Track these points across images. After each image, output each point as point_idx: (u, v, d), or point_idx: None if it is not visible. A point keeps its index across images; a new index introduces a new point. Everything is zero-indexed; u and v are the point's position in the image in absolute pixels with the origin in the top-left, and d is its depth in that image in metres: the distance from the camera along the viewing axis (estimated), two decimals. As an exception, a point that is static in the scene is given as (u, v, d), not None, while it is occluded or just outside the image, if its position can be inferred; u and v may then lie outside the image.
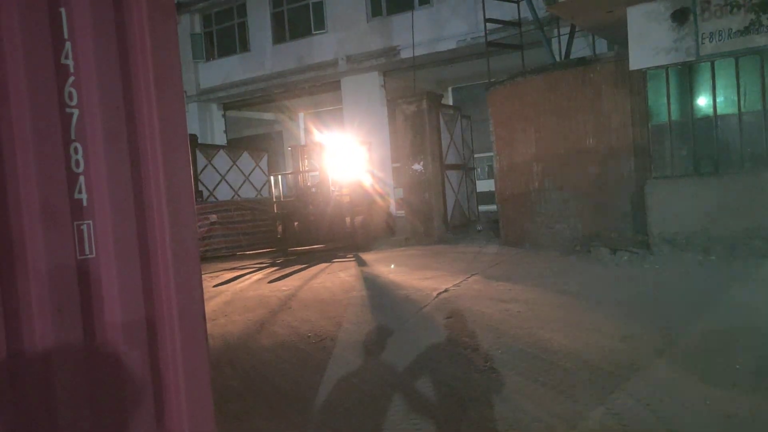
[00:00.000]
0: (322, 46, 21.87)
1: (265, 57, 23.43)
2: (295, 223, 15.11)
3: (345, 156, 15.76)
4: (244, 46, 24.40)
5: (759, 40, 9.22)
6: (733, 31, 9.37)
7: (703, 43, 9.61)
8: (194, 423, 2.65)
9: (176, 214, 2.55)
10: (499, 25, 15.79)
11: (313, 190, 15.65)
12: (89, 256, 2.35)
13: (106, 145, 2.38)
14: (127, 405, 2.47)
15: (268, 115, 28.11)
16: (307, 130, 26.88)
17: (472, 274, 9.93)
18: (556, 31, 15.15)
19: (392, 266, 11.54)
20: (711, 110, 9.90)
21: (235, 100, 25.39)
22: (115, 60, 2.40)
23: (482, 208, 19.47)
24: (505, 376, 5.00)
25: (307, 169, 16.29)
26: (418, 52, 18.10)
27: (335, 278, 10.54)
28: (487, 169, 25.88)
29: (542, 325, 6.51)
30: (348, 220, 14.65)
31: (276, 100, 24.85)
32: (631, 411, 4.11)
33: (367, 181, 16.07)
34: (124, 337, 2.43)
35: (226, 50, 25.09)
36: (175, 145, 2.56)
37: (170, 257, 2.55)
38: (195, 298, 2.65)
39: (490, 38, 15.42)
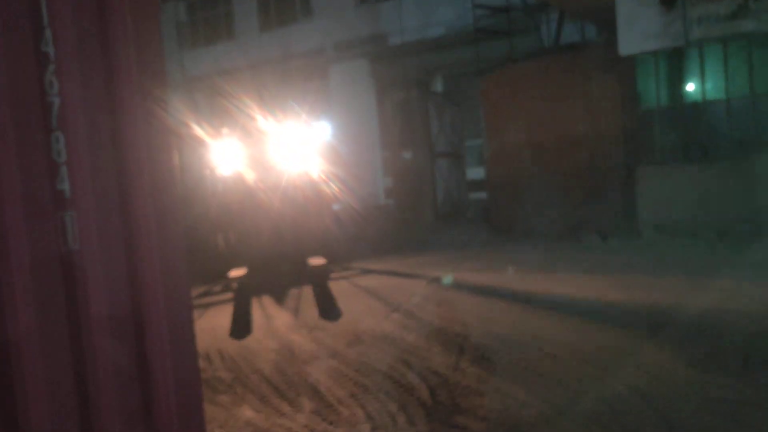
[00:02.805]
0: (309, 34, 21.67)
1: (250, 44, 23.21)
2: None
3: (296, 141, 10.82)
4: (230, 34, 24.16)
5: (746, 25, 9.23)
6: (721, 16, 9.36)
7: (691, 29, 9.60)
8: (183, 415, 2.62)
9: (161, 204, 2.51)
10: (488, 11, 15.71)
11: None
12: (73, 247, 2.31)
13: (89, 134, 2.32)
14: (114, 399, 2.43)
15: (255, 104, 27.89)
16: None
17: (463, 263, 9.93)
18: (545, 17, 15.08)
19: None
20: (699, 96, 9.92)
21: (223, 89, 25.14)
22: (98, 47, 2.34)
23: (472, 195, 19.47)
24: (497, 364, 5.00)
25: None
26: (407, 39, 17.99)
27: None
28: (477, 156, 25.87)
29: (532, 312, 6.52)
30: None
31: (263, 89, 24.63)
32: (621, 396, 4.12)
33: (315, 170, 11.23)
34: (110, 330, 2.39)
35: (212, 38, 24.82)
36: (159, 134, 2.51)
37: (156, 249, 2.50)
38: (182, 289, 2.61)
39: (479, 25, 15.35)
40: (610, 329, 5.66)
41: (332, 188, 10.24)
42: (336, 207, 10.76)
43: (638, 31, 10.04)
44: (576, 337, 5.48)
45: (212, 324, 7.14)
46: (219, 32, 24.71)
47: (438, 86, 24.26)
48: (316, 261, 8.98)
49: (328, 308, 7.45)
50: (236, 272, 8.52)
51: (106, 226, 2.34)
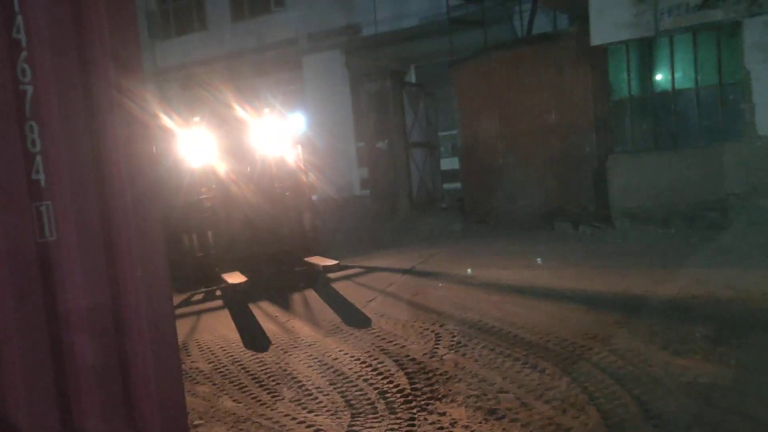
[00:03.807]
0: (282, 24, 21.50)
1: (223, 35, 22.96)
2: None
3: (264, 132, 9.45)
4: (202, 24, 23.86)
5: (716, 15, 9.37)
6: (691, 6, 9.49)
7: (662, 18, 9.72)
8: (164, 408, 2.61)
9: (139, 194, 2.49)
10: (462, 2, 15.73)
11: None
12: (49, 238, 2.28)
13: (64, 123, 2.29)
14: (94, 391, 2.42)
15: (228, 95, 27.61)
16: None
17: (438, 252, 9.98)
18: (517, 7, 15.16)
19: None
20: (670, 85, 10.06)
21: (195, 80, 24.83)
22: (71, 34, 2.31)
23: (446, 186, 19.51)
24: (473, 350, 5.06)
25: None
26: (381, 29, 17.95)
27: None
28: (450, 147, 25.92)
29: (508, 300, 6.59)
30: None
31: (238, 80, 24.40)
32: (596, 380, 4.19)
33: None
34: (89, 321, 2.36)
35: (184, 29, 24.49)
36: (135, 123, 2.48)
37: (134, 238, 2.48)
38: (161, 280, 2.59)
39: (452, 15, 15.36)
40: (584, 315, 5.75)
41: (309, 180, 9.54)
42: (313, 198, 9.69)
43: (610, 21, 10.14)
44: (550, 323, 5.56)
45: (216, 334, 6.59)
46: (190, 22, 24.38)
47: (412, 77, 24.27)
48: (327, 262, 8.34)
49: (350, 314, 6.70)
50: (234, 279, 7.57)
51: (82, 216, 2.32)
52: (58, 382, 2.31)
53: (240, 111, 9.17)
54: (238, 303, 7.65)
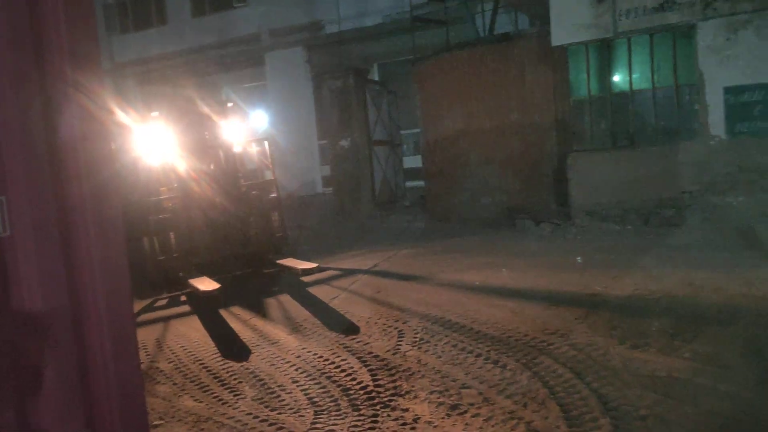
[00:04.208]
0: (244, 20, 21.29)
1: (184, 30, 22.62)
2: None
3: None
4: (162, 19, 23.46)
5: (672, 18, 9.61)
6: (648, 8, 9.72)
7: (620, 20, 9.93)
8: (124, 409, 2.56)
9: (97, 191, 2.43)
10: (425, 1, 15.80)
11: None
12: (3, 234, 2.21)
13: (18, 118, 2.23)
14: (51, 392, 2.36)
15: (189, 91, 27.23)
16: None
17: (401, 249, 10.02)
18: (480, 6, 15.29)
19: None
20: (627, 86, 10.28)
21: (154, 75, 24.43)
22: (26, 28, 2.24)
23: (409, 184, 19.60)
24: (436, 347, 5.09)
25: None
26: (344, 27, 17.93)
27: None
28: (413, 145, 26.04)
29: (470, 297, 6.65)
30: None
31: (198, 75, 24.08)
32: (556, 374, 4.26)
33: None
34: (45, 319, 2.30)
35: (142, 23, 24.05)
36: (92, 119, 2.43)
37: (93, 235, 2.42)
38: (121, 279, 2.54)
39: (415, 13, 15.43)
40: (545, 311, 5.83)
41: (271, 177, 9.12)
42: (275, 196, 8.99)
43: (570, 22, 10.31)
44: (512, 319, 5.62)
45: (178, 334, 6.47)
46: (149, 17, 23.96)
47: (375, 75, 24.28)
48: (304, 265, 7.92)
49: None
50: (205, 285, 7.01)
51: (39, 210, 2.26)
52: (14, 384, 2.25)
53: (201, 106, 8.78)
54: (206, 309, 7.21)
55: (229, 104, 9.16)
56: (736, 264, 7.00)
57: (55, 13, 2.34)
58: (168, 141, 8.08)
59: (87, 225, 2.41)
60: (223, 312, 7.04)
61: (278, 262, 8.28)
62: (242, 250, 8.38)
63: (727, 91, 9.44)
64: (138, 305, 7.68)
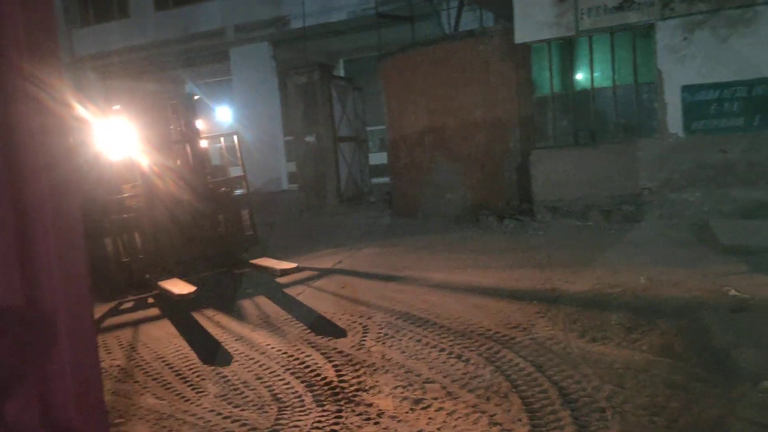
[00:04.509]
0: (209, 14, 21.05)
1: (146, 24, 22.25)
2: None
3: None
4: (124, 12, 23.04)
5: (631, 17, 9.80)
6: (609, 7, 9.89)
7: (582, 19, 10.09)
8: (83, 407, 2.53)
9: (56, 187, 2.40)
10: (390, -3, 15.85)
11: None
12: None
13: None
14: (8, 392, 2.32)
15: (153, 86, 26.83)
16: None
17: (366, 246, 10.04)
18: (445, 4, 15.38)
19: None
20: (589, 84, 10.45)
21: (116, 69, 23.98)
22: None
23: (375, 180, 19.65)
24: (400, 342, 5.12)
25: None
26: (309, 22, 17.85)
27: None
28: (379, 142, 26.09)
29: (434, 292, 6.70)
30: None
31: (161, 70, 23.73)
32: (518, 368, 4.33)
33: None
34: (1, 318, 2.26)
35: (104, 16, 23.57)
36: (50, 113, 2.39)
37: (51, 233, 2.39)
38: (79, 277, 2.51)
39: (380, 9, 15.44)
40: (507, 305, 5.91)
41: (240, 174, 8.66)
42: (245, 193, 8.68)
43: (533, 20, 10.44)
44: (475, 314, 5.69)
45: (141, 332, 6.40)
46: (110, 9, 23.51)
47: (341, 71, 24.23)
48: (283, 265, 7.53)
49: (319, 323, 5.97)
50: (179, 288, 6.64)
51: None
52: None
53: (165, 99, 8.53)
54: (176, 311, 6.91)
55: (196, 97, 8.94)
56: (692, 259, 7.19)
57: (11, 6, 2.30)
58: (131, 136, 7.70)
59: (45, 222, 2.37)
60: (193, 313, 6.84)
61: (252, 262, 7.95)
62: (211, 250, 8.05)
63: (685, 89, 9.67)
64: (102, 308, 7.37)
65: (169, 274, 7.38)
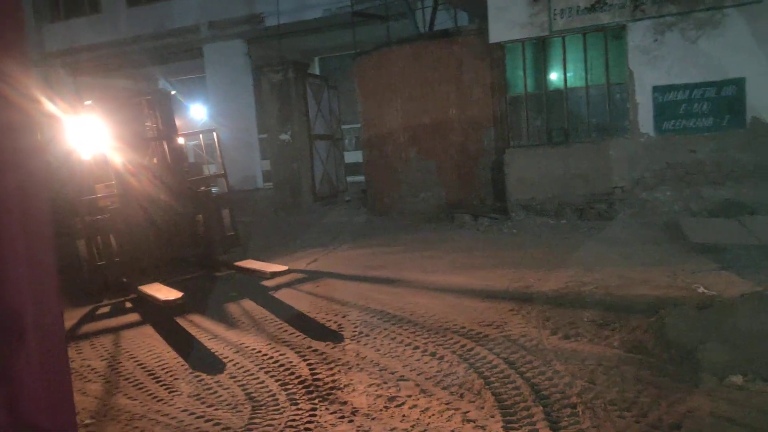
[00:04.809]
0: (182, 11, 20.81)
1: (119, 20, 21.94)
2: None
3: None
4: (95, 8, 22.68)
5: (604, 18, 9.93)
6: (582, 8, 10.00)
7: (555, 20, 10.18)
8: (51, 407, 2.49)
9: (23, 182, 2.35)
10: (365, -5, 15.84)
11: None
12: None
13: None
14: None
15: (125, 82, 26.47)
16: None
17: (341, 244, 10.03)
18: (420, 2, 15.41)
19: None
20: (562, 83, 10.56)
21: (87, 66, 23.61)
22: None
23: (350, 179, 19.64)
24: (374, 340, 5.13)
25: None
26: (284, 20, 17.76)
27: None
28: (354, 140, 26.10)
29: (408, 290, 6.72)
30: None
31: (134, 67, 23.42)
32: (491, 365, 4.36)
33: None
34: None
35: (74, 11, 23.18)
36: (17, 109, 2.35)
37: (19, 230, 2.35)
38: (48, 273, 2.47)
39: (356, 8, 15.43)
40: (481, 303, 5.95)
41: (220, 171, 8.36)
42: (224, 192, 8.39)
43: (507, 20, 10.52)
44: (449, 312, 5.72)
45: (140, 346, 6.32)
46: (81, 5, 23.11)
47: (316, 69, 24.15)
48: (275, 268, 7.21)
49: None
50: (163, 293, 6.34)
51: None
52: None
53: (140, 94, 8.29)
54: (158, 316, 6.52)
55: (173, 92, 8.74)
56: (663, 257, 7.31)
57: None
58: (104, 132, 7.37)
59: (11, 222, 2.33)
60: (176, 318, 6.49)
61: (237, 264, 7.63)
62: (190, 252, 7.78)
63: (656, 90, 9.83)
64: (77, 313, 7.00)
65: (147, 278, 7.07)
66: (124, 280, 7.20)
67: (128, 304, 7.32)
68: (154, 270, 7.31)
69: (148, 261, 7.38)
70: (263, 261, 7.87)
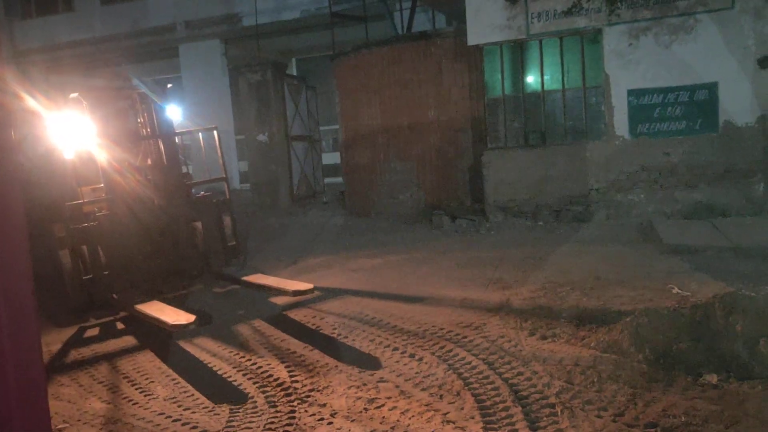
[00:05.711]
0: (158, 10, 20.62)
1: (93, 18, 21.65)
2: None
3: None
4: (68, 5, 22.36)
5: (580, 22, 10.03)
6: (558, 12, 10.09)
7: (532, 23, 10.26)
8: (25, 412, 2.44)
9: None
10: (344, -4, 15.84)
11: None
12: None
13: None
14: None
15: (99, 81, 26.11)
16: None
17: (320, 246, 10.00)
18: (398, 4, 15.43)
19: None
20: (539, 86, 10.63)
21: (60, 64, 23.23)
22: None
23: (328, 180, 19.58)
24: (354, 342, 5.12)
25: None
26: (262, 20, 17.66)
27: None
28: (332, 141, 26.04)
29: (387, 292, 6.72)
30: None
31: (108, 65, 23.09)
32: (470, 366, 4.38)
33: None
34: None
35: (47, 9, 22.82)
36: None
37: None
38: (22, 278, 2.42)
39: (334, 9, 15.41)
40: (459, 305, 5.97)
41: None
42: (226, 197, 7.40)
43: (485, 23, 10.57)
44: (428, 313, 5.73)
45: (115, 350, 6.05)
46: (54, 2, 22.75)
47: (294, 69, 24.04)
48: (298, 286, 6.24)
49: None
50: (173, 317, 5.35)
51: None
52: None
53: (132, 87, 7.70)
54: (158, 340, 5.73)
55: (169, 85, 8.15)
56: (638, 258, 7.40)
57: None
58: (90, 129, 6.51)
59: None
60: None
61: (246, 279, 6.79)
62: (188, 264, 6.88)
63: (631, 93, 9.94)
64: (61, 334, 6.26)
65: (140, 293, 6.28)
66: (114, 296, 6.32)
67: (120, 324, 6.53)
68: (146, 284, 6.50)
69: (140, 274, 6.52)
70: (263, 272, 7.27)
